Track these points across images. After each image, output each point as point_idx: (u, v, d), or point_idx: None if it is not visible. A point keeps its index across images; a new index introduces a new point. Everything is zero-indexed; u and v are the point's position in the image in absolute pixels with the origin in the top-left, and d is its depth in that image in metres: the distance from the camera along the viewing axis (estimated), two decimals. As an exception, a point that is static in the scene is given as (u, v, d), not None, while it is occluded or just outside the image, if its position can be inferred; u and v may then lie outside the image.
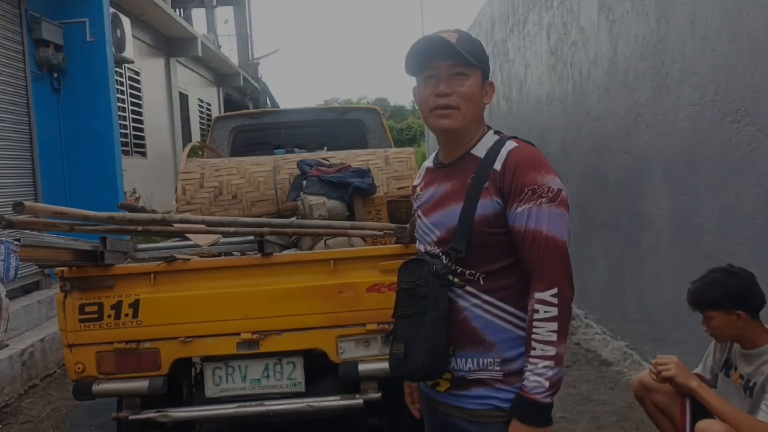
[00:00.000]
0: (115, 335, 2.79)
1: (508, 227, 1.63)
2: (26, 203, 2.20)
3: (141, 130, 10.41)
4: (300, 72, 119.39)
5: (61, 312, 2.79)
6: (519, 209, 1.59)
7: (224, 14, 30.10)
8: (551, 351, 1.55)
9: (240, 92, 19.36)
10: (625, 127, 4.67)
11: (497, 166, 1.64)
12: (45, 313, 5.83)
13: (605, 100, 5.06)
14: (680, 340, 3.91)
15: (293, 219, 3.37)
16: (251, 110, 5.66)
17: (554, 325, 1.55)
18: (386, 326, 2.80)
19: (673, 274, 3.99)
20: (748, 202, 3.23)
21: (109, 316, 2.79)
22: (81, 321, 2.78)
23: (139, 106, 10.38)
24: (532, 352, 1.56)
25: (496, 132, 1.75)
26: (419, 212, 1.84)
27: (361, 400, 2.85)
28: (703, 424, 2.41)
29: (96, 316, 2.79)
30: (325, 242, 3.24)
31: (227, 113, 5.70)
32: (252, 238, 3.15)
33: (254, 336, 2.80)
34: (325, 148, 5.50)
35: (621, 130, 4.76)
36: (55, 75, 7.00)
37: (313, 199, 3.40)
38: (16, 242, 2.39)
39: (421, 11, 29.48)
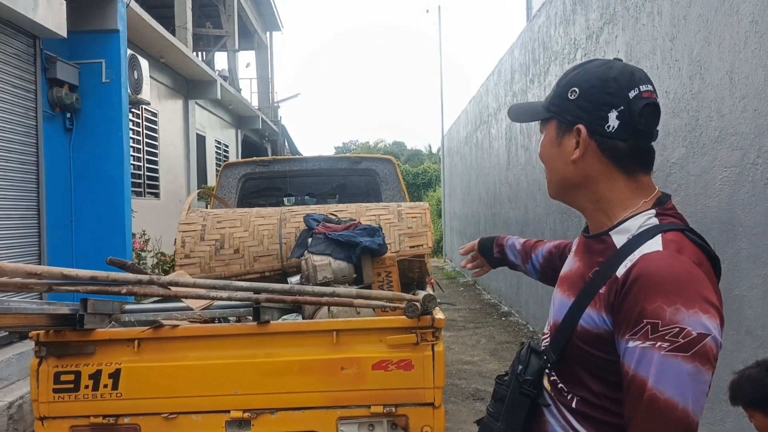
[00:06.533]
0: (92, 408, 2.54)
1: (617, 356, 1.14)
2: (-7, 265, 1.96)
3: (155, 170, 10.31)
4: (318, 114, 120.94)
5: (34, 380, 2.54)
6: (630, 344, 1.09)
7: (246, 58, 30.65)
8: None
9: (258, 134, 19.37)
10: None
11: (620, 271, 1.13)
12: (39, 361, 5.56)
13: (633, 157, 4.79)
14: (716, 420, 3.55)
15: (293, 284, 3.10)
16: (261, 158, 5.49)
17: None
18: (393, 409, 2.50)
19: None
20: (797, 277, 2.93)
21: (86, 387, 2.53)
22: (55, 391, 2.53)
23: (155, 146, 10.31)
24: None
25: (660, 213, 1.20)
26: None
27: (362, 492, 2.54)
28: None
29: (72, 386, 2.53)
30: (328, 308, 2.97)
31: (236, 160, 5.54)
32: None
33: (245, 414, 2.52)
34: (337, 197, 5.30)
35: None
36: (68, 115, 6.90)
37: (318, 260, 3.13)
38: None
39: (440, 55, 29.76)
